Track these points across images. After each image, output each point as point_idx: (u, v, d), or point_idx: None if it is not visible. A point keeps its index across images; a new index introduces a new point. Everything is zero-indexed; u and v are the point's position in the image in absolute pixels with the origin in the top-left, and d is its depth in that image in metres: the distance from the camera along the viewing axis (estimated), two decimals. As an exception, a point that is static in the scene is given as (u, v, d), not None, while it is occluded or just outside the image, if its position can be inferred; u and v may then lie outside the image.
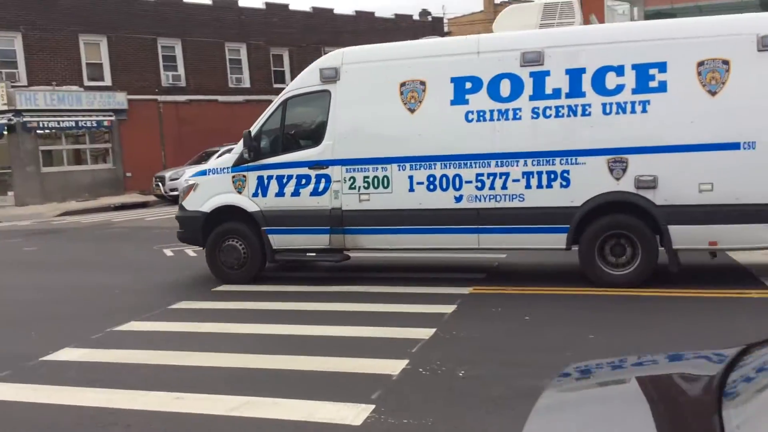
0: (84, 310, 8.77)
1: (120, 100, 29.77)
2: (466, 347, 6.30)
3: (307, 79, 9.42)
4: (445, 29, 43.87)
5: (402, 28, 38.17)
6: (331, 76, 9.17)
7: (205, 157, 26.43)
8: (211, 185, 9.82)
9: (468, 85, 8.60)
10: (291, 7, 36.65)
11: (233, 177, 9.62)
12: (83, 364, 6.38)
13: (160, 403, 5.25)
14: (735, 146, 7.69)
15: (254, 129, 9.57)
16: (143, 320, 7.90)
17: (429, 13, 43.22)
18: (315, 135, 9.39)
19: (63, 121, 27.83)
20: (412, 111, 8.84)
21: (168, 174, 25.79)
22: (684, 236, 7.96)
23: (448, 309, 7.68)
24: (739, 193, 7.70)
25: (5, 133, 26.93)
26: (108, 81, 30.53)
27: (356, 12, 39.39)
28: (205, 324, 7.56)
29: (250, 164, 9.49)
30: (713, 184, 7.76)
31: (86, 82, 29.85)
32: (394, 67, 8.94)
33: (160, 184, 25.81)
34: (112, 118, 29.23)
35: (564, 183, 8.24)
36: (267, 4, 35.84)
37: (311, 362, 5.98)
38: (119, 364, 6.29)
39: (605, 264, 8.35)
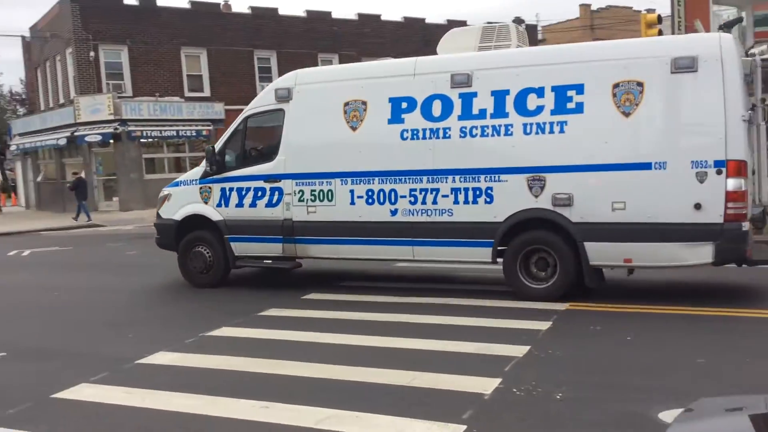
0: (179, 314, 8.96)
1: (218, 110, 30.75)
2: (563, 367, 5.97)
3: (265, 99, 10.12)
4: (539, 37, 43.04)
5: (494, 36, 37.70)
6: (284, 96, 9.84)
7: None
8: (182, 196, 10.66)
9: (404, 105, 9.06)
10: (383, 18, 36.92)
11: (200, 188, 10.45)
12: (175, 368, 6.45)
13: (248, 411, 5.21)
14: (647, 166, 7.82)
15: (219, 144, 10.40)
16: (234, 326, 7.96)
17: (522, 21, 42.49)
18: (270, 151, 9.99)
19: (165, 131, 28.99)
20: (354, 129, 9.36)
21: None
22: (599, 253, 8.17)
23: (543, 325, 7.35)
24: (651, 211, 7.81)
25: (111, 141, 28.32)
26: (207, 92, 31.64)
27: (448, 21, 39.20)
28: (294, 332, 7.54)
29: (215, 177, 10.27)
30: (626, 202, 7.92)
31: (186, 93, 31.05)
32: (340, 88, 9.53)
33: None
34: (210, 128, 30.19)
35: (488, 199, 8.61)
36: (359, 15, 36.26)
37: (399, 376, 5.81)
38: (210, 369, 6.33)
39: (527, 278, 8.65)
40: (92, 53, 29.47)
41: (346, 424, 4.87)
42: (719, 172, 7.54)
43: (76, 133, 28.33)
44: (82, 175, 26.82)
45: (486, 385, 5.49)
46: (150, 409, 5.39)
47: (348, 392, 5.55)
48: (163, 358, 6.79)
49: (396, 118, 9.11)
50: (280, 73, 33.71)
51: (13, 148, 37.03)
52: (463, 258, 8.98)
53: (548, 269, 8.53)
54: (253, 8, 33.89)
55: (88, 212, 25.53)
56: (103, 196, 29.67)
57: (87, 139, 28.02)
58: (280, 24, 33.65)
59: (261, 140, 10.63)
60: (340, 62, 34.99)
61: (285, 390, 5.65)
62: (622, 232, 7.98)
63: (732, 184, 7.51)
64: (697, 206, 7.63)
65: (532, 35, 39.90)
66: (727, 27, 8.73)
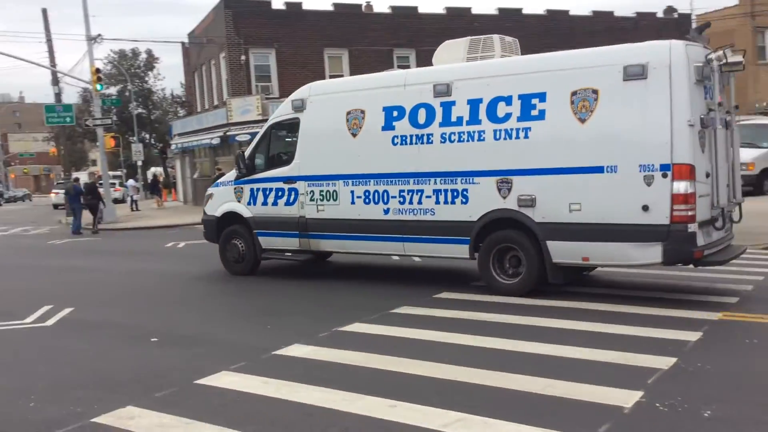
0: (313, 308, 9.19)
1: (358, 108, 31.37)
2: (713, 382, 5.49)
3: (285, 109, 11.47)
4: (693, 26, 40.31)
5: (642, 27, 35.77)
6: (299, 106, 11.12)
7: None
8: (221, 195, 12.24)
9: (395, 113, 9.97)
10: (524, 11, 36.11)
11: (234, 189, 11.95)
12: (309, 361, 6.60)
13: (376, 409, 5.21)
14: (599, 170, 8.26)
15: (248, 150, 11.88)
16: (367, 322, 8.04)
17: (675, 10, 40.06)
18: (289, 155, 11.26)
19: (308, 130, 29.96)
20: (354, 135, 10.38)
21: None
22: (560, 251, 8.71)
23: (692, 336, 6.81)
24: (604, 213, 8.26)
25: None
26: (348, 91, 32.38)
27: (593, 12, 37.72)
28: (425, 331, 7.48)
29: (245, 179, 11.72)
30: (581, 204, 8.41)
31: (328, 93, 31.93)
32: (344, 98, 10.59)
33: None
34: (351, 126, 30.88)
35: (464, 200, 9.40)
36: (500, 9, 35.67)
37: (532, 383, 5.59)
38: (341, 364, 6.41)
39: (499, 273, 9.33)
40: (243, 57, 31.04)
41: (473, 429, 4.74)
42: (665, 176, 7.88)
43: (228, 133, 30.00)
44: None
45: (626, 398, 5.15)
46: (284, 400, 5.54)
47: (477, 396, 5.41)
48: (298, 350, 6.97)
49: (388, 125, 10.02)
50: (419, 72, 33.88)
51: (173, 147, 39.87)
52: (445, 254, 9.89)
53: (519, 266, 9.16)
54: (393, 8, 34.29)
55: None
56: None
57: (237, 138, 29.55)
58: (420, 22, 33.79)
59: (283, 146, 11.76)
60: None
61: (414, 390, 5.60)
62: (579, 232, 8.50)
63: (677, 187, 7.83)
64: (645, 208, 8.02)
65: (685, 25, 37.50)
66: (698, 31, 8.99)
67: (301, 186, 10.94)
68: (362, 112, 10.30)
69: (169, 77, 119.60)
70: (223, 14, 30.94)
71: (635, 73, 8.08)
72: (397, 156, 9.91)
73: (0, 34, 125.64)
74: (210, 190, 12.67)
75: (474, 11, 35.19)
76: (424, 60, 33.48)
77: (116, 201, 35.96)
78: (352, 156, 10.36)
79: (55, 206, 43.50)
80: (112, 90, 57.21)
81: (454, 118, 9.43)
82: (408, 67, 33.62)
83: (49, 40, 30.78)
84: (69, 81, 69.11)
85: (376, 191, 10.16)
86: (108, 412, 5.40)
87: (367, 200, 10.26)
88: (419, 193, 9.75)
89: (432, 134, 9.60)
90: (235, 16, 30.84)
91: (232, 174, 12.04)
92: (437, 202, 9.60)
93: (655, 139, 7.94)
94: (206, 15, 34.76)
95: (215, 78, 34.62)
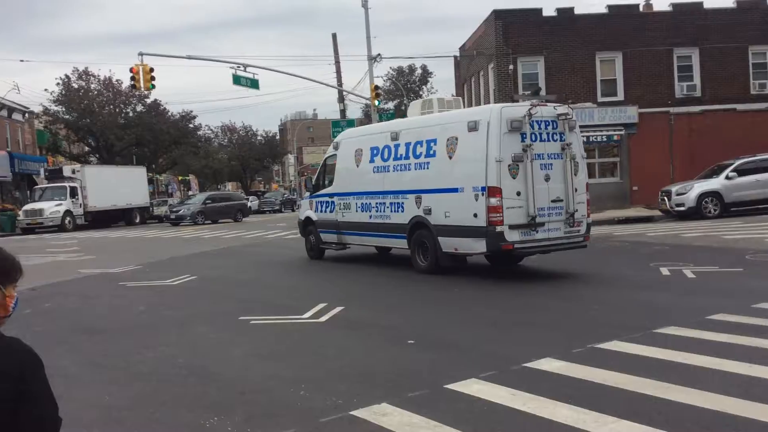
0: (568, 322, 8.91)
1: (631, 114, 29.81)
2: None
3: (331, 149, 17.47)
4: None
5: None
6: (336, 146, 17.10)
7: (717, 171, 24.49)
8: (305, 205, 18.57)
9: (375, 151, 15.20)
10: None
11: (309, 202, 18.07)
12: (561, 377, 6.42)
13: (628, 434, 4.90)
14: (455, 190, 12.75)
15: (314, 177, 18.05)
16: (626, 341, 7.59)
17: None
18: (331, 180, 16.97)
19: (575, 137, 29.15)
20: (357, 166, 15.87)
21: (675, 188, 24.72)
22: (445, 244, 13.19)
23: None
24: (460, 218, 12.64)
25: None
26: (620, 96, 30.90)
27: None
28: (692, 355, 6.85)
29: (313, 194, 17.82)
30: (450, 212, 12.94)
31: (599, 98, 30.76)
32: (354, 141, 16.32)
33: (665, 198, 24.90)
34: (622, 132, 29.45)
35: (402, 209, 14.29)
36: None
37: (819, 426, 4.81)
38: (595, 383, 6.15)
39: (420, 259, 13.95)
40: (511, 66, 31.22)
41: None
42: (483, 194, 12.02)
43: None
44: None
45: None
46: (531, 414, 5.46)
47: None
48: (549, 364, 6.82)
49: (372, 159, 15.30)
50: (703, 71, 31.16)
51: None
52: (397, 245, 14.98)
53: (427, 254, 13.69)
54: (674, 5, 31.95)
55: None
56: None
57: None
58: (704, 18, 31.03)
59: (330, 173, 17.17)
60: (777, 53, 30.78)
61: (673, 418, 5.17)
62: (450, 231, 12.90)
63: (490, 201, 11.92)
64: (475, 215, 12.21)
65: None
66: (533, 95, 14.19)
67: (335, 200, 16.67)
68: (361, 150, 15.75)
69: (441, 89, 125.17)
70: (494, 25, 31.41)
71: (472, 127, 12.41)
72: (375, 180, 15.13)
73: (299, 59, 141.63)
74: (299, 201, 18.12)
75: (770, 0, 31.34)
76: (708, 58, 30.73)
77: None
78: (356, 179, 15.85)
79: None
80: (390, 105, 61.20)
81: (399, 155, 14.38)
82: (689, 67, 31.11)
83: (337, 62, 34.05)
84: (352, 98, 75.35)
85: (366, 203, 15.49)
86: (364, 407, 5.79)
87: (362, 209, 15.63)
88: (383, 205, 14.88)
89: (389, 165, 14.71)
90: (505, 26, 31.13)
91: (308, 190, 18.25)
92: (392, 211, 14.62)
93: (480, 170, 12.10)
94: (477, 28, 35.61)
95: (483, 88, 35.30)
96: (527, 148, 11.99)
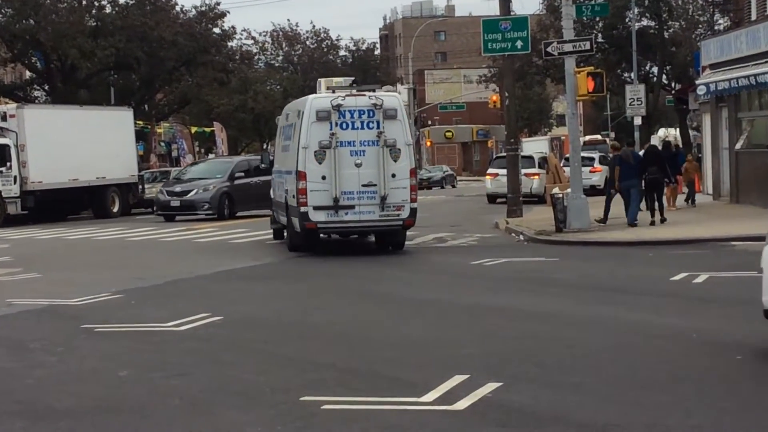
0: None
1: None
2: None
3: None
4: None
5: None
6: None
7: None
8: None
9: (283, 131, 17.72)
10: None
11: None
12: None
13: None
14: (290, 173, 14.78)
15: None
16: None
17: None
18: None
19: None
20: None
21: None
22: (292, 223, 14.69)
23: None
24: (290, 199, 14.53)
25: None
26: None
27: None
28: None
29: None
30: (288, 193, 14.97)
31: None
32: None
33: None
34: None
35: (283, 190, 15.96)
36: None
37: None
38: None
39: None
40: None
41: None
42: (297, 177, 13.80)
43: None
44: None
45: None
46: None
47: None
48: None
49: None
50: None
51: (701, 89, 22.26)
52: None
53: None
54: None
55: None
56: None
57: None
58: None
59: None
60: None
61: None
62: (290, 210, 14.52)
63: (298, 183, 13.72)
64: (293, 196, 14.03)
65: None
66: (349, 86, 15.18)
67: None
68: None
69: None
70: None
71: (298, 115, 14.35)
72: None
73: None
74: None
75: None
76: None
77: (593, 191, 23.55)
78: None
79: (492, 198, 27.50)
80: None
81: (286, 136, 15.94)
82: None
83: None
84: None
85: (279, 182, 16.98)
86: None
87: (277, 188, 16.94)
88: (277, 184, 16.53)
89: (280, 145, 17.17)
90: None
91: None
92: (277, 190, 16.19)
93: (295, 156, 13.92)
94: None
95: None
96: (332, 136, 13.55)
